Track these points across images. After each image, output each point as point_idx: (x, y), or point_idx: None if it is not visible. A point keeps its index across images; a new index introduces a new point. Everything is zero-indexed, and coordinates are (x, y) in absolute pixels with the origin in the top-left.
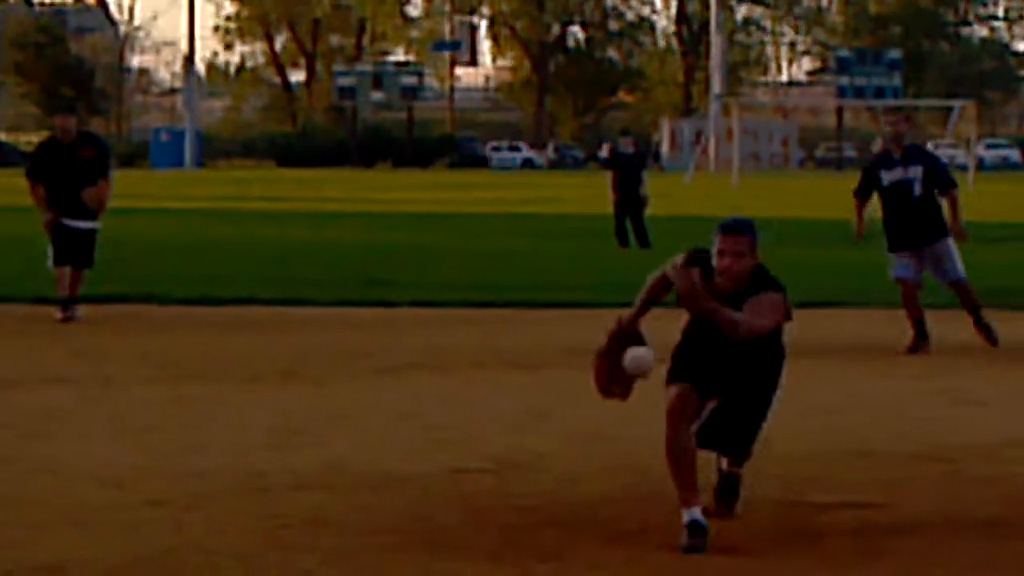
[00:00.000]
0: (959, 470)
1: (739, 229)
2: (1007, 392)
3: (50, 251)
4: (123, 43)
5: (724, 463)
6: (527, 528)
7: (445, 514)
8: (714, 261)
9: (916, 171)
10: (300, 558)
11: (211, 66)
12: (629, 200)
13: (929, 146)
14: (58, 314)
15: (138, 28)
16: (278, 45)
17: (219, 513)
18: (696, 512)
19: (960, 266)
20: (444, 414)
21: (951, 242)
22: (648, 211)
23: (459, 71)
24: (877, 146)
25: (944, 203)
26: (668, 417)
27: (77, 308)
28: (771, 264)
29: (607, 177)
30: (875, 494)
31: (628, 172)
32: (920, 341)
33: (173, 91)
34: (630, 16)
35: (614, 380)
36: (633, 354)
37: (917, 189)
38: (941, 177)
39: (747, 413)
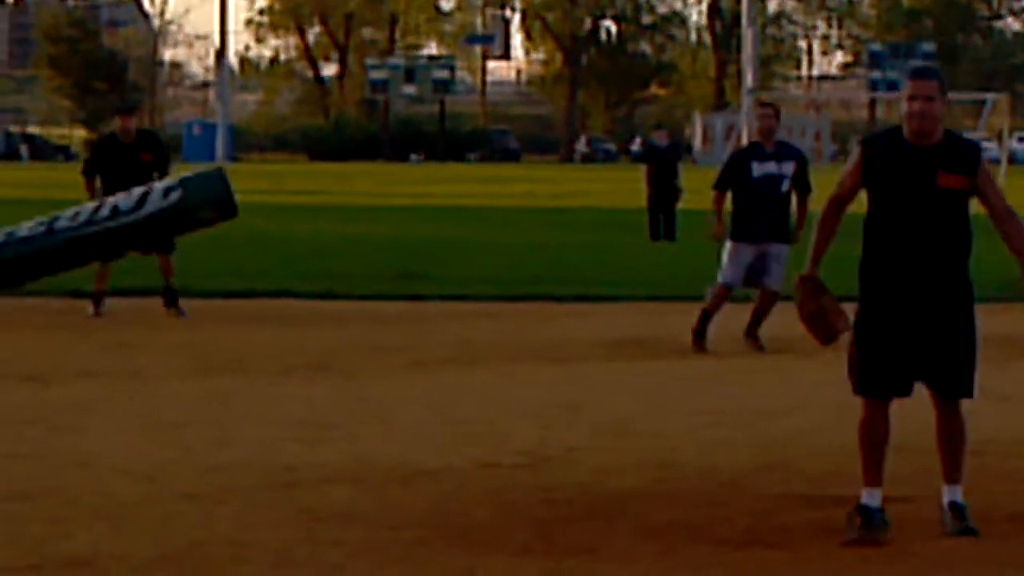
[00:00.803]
0: (984, 464)
1: (929, 73)
2: None
3: None
4: (156, 37)
5: (945, 496)
6: (558, 521)
7: (476, 508)
8: (904, 109)
9: (788, 167)
10: (330, 552)
11: (244, 60)
12: (663, 194)
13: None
14: (91, 308)
15: (171, 22)
16: (310, 39)
17: (249, 507)
18: (873, 496)
19: (781, 279)
20: (474, 408)
21: (788, 250)
22: (681, 204)
23: (491, 64)
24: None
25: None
26: (864, 414)
27: (179, 302)
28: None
29: (642, 171)
30: (902, 488)
31: (663, 166)
32: (700, 339)
33: (206, 85)
34: (662, 9)
35: (822, 324)
36: None
37: (785, 185)
38: (805, 178)
39: (958, 336)
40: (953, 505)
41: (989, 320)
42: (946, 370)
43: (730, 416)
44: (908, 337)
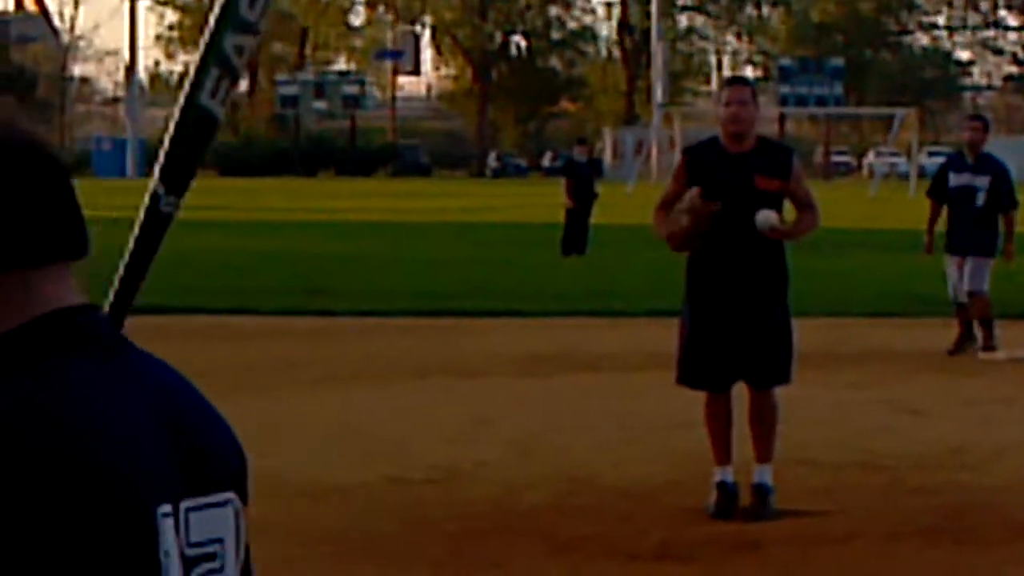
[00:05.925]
0: (898, 479)
1: (741, 81)
2: (943, 400)
3: None
4: (65, 52)
5: (755, 477)
6: (468, 536)
7: (386, 523)
8: (721, 113)
9: (983, 180)
10: None
11: (153, 75)
12: (581, 208)
13: (871, 154)
14: None
15: (80, 37)
16: None
17: None
18: (725, 472)
19: (978, 278)
20: (385, 423)
21: (986, 260)
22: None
23: (401, 80)
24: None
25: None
26: (706, 404)
27: None
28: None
29: (560, 184)
30: (814, 503)
31: (582, 180)
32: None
33: (115, 100)
34: (572, 25)
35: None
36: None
37: (980, 198)
38: (1003, 192)
39: (772, 328)
40: (759, 488)
41: (899, 335)
42: (762, 361)
43: (641, 431)
44: (730, 332)
